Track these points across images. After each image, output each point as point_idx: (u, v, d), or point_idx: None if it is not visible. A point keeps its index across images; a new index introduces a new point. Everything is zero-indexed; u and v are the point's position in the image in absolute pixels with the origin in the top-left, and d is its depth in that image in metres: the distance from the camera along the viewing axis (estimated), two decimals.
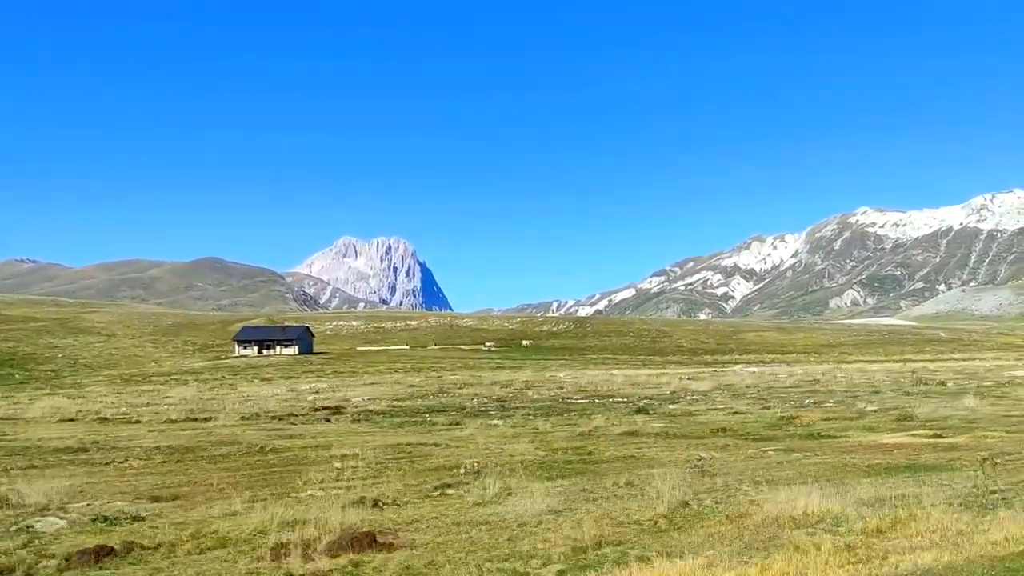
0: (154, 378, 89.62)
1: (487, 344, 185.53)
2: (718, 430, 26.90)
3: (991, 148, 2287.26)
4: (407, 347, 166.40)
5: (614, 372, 79.02)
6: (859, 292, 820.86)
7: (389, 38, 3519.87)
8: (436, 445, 25.41)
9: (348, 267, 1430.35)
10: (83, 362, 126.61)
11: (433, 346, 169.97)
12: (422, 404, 45.31)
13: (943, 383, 43.60)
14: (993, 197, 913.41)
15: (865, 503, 13.23)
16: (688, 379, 59.71)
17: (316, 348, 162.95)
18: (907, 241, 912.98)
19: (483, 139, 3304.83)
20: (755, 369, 75.58)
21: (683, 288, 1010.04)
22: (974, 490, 14.43)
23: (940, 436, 21.59)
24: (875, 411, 30.14)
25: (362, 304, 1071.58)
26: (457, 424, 32.58)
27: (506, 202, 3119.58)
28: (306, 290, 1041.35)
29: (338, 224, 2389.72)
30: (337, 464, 21.87)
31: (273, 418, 37.63)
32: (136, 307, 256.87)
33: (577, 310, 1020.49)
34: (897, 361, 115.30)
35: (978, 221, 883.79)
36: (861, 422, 27.10)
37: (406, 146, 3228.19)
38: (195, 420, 38.25)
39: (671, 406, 38.58)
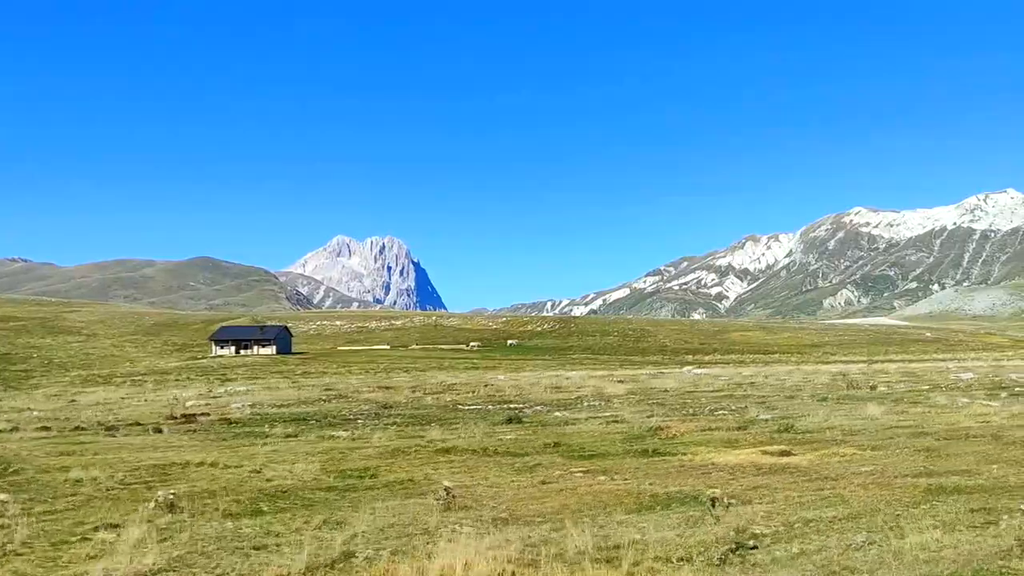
0: (116, 379, 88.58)
1: (471, 344, 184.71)
2: (550, 444, 25.45)
3: (985, 148, 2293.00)
4: (388, 347, 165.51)
5: (565, 374, 77.83)
6: (853, 292, 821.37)
7: (384, 36, 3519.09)
8: (212, 465, 23.27)
9: (342, 266, 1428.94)
10: (57, 362, 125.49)
11: (414, 346, 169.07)
12: (300, 411, 43.44)
13: (873, 387, 42.56)
14: (987, 197, 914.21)
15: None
16: (619, 381, 58.44)
17: (297, 348, 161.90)
18: (901, 241, 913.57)
19: (478, 138, 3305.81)
20: (701, 371, 74.58)
21: (677, 288, 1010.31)
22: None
23: (789, 454, 20.57)
24: (764, 420, 29.02)
25: (356, 304, 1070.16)
26: (293, 436, 30.44)
27: (500, 202, 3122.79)
28: (299, 290, 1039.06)
29: (332, 223, 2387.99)
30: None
31: (110, 428, 34.87)
32: (120, 307, 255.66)
33: (571, 309, 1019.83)
34: (878, 361, 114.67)
35: (972, 221, 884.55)
36: (730, 434, 26.02)
37: (400, 145, 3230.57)
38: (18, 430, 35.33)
39: (557, 414, 36.83)
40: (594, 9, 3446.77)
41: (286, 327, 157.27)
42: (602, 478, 19.48)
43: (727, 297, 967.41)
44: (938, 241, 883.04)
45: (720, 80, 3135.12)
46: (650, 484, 18.39)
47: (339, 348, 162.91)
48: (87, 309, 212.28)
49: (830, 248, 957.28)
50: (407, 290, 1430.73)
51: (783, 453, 20.48)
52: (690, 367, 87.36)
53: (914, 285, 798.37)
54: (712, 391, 48.36)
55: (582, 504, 16.64)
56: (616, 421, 32.22)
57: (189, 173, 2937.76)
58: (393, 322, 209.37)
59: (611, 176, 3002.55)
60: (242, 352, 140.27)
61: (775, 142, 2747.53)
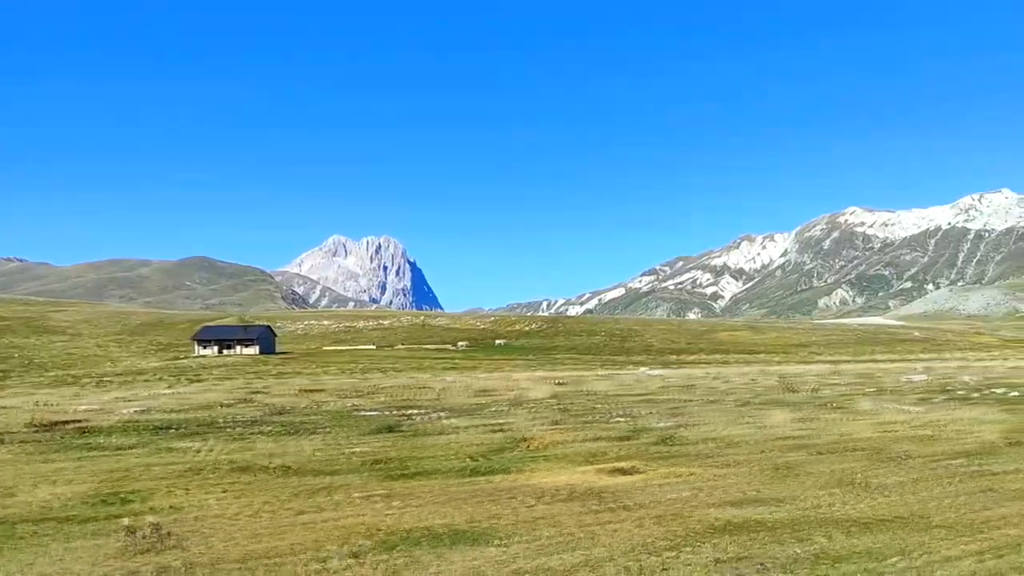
0: (85, 380, 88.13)
1: (460, 344, 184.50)
2: (379, 460, 23.86)
3: (980, 148, 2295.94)
4: (373, 347, 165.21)
5: (514, 375, 77.47)
6: (848, 291, 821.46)
7: (380, 36, 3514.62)
8: None
9: (338, 266, 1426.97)
10: (38, 362, 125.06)
11: (400, 346, 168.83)
12: (180, 418, 42.00)
13: (815, 390, 42.00)
14: (981, 197, 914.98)
15: None
16: (558, 383, 57.68)
17: (283, 348, 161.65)
18: (896, 241, 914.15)
19: (474, 139, 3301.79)
20: (656, 372, 74.15)
21: (673, 287, 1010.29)
22: None
23: (631, 472, 19.59)
24: (655, 429, 28.39)
25: (352, 303, 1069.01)
26: (130, 448, 29.43)
27: (497, 202, 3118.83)
28: (295, 289, 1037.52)
29: (328, 223, 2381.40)
30: None
31: None
32: (108, 306, 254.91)
33: (566, 309, 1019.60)
34: (853, 362, 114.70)
35: (966, 221, 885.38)
36: (601, 445, 25.26)
37: (397, 145, 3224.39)
38: None
39: (445, 421, 35.32)
40: (591, 9, 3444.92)
41: (270, 327, 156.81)
42: (380, 506, 18.46)
43: (722, 297, 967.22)
44: (933, 241, 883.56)
45: (717, 80, 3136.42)
46: (427, 514, 17.33)
47: (324, 348, 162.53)
48: (73, 309, 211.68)
49: (825, 248, 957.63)
50: (403, 290, 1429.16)
51: (623, 471, 19.79)
52: (647, 368, 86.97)
53: (909, 285, 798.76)
54: (640, 395, 47.38)
55: (299, 545, 15.67)
56: (500, 430, 31.38)
57: (186, 173, 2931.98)
58: (381, 322, 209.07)
59: (607, 176, 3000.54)
60: (225, 352, 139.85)
61: (771, 142, 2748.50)
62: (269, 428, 35.63)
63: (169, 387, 71.40)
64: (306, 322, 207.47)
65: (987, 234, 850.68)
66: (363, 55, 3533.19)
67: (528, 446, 25.07)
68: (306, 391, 61.05)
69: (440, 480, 21.51)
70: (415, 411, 40.82)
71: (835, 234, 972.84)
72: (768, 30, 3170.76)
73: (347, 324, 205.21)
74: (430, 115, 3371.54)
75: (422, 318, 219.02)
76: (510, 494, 19.17)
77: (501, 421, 33.86)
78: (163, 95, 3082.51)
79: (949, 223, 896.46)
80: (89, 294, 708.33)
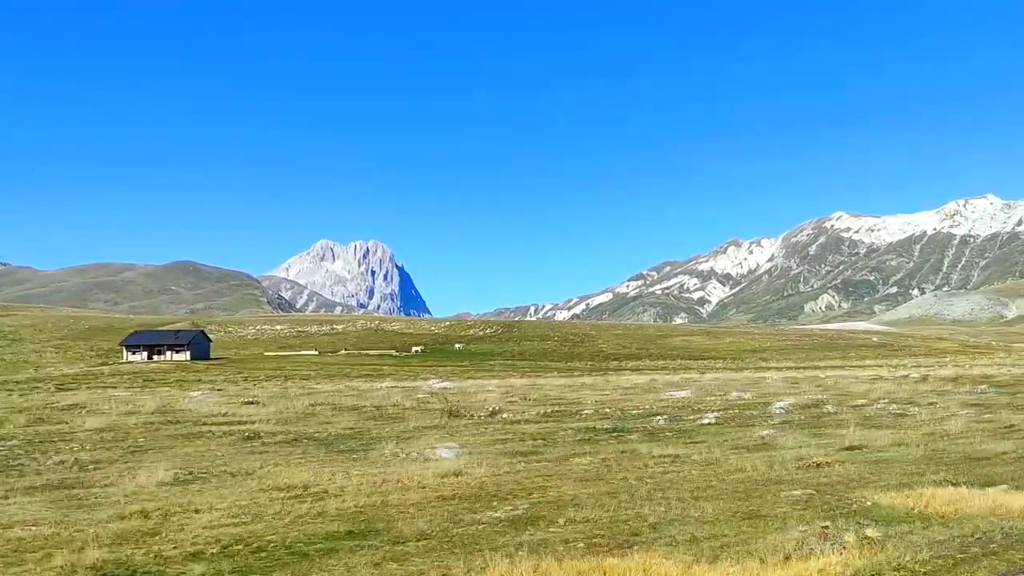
0: None
1: (414, 348, 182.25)
2: None
3: (965, 154, 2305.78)
4: (316, 352, 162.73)
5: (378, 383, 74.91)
6: (834, 296, 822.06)
7: (366, 39, 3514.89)
8: None
9: (326, 271, 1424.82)
10: None
11: (343, 351, 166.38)
12: None
13: (577, 413, 38.20)
14: (966, 203, 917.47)
15: None
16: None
17: (225, 353, 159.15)
18: (881, 246, 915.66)
19: (463, 142, 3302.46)
20: (499, 384, 71.33)
21: (660, 292, 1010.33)
22: None
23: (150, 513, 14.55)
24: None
25: (339, 308, 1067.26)
26: None
27: (486, 206, 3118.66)
28: (282, 294, 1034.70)
29: (316, 227, 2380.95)
30: None
31: None
32: (60, 310, 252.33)
33: (554, 314, 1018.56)
34: (790, 368, 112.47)
35: (951, 227, 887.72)
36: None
37: (385, 149, 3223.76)
38: None
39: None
40: (577, 14, 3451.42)
41: (203, 332, 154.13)
42: None
43: (709, 302, 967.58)
44: (918, 246, 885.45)
45: (703, 87, 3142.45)
46: None
47: (265, 354, 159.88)
48: (23, 313, 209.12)
49: (811, 253, 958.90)
50: (391, 294, 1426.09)
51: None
52: (431, 378, 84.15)
53: (894, 290, 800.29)
54: (369, 405, 42.95)
55: None
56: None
57: (173, 177, 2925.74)
58: (335, 326, 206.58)
59: (596, 181, 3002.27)
60: (155, 358, 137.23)
61: (758, 147, 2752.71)
62: None
63: (21, 396, 68.48)
64: (259, 327, 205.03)
65: (972, 239, 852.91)
66: (352, 59, 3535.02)
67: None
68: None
69: None
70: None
71: (821, 239, 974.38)
72: (755, 35, 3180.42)
73: (300, 329, 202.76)
74: (420, 119, 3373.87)
75: (377, 322, 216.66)
76: None
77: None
78: (150, 98, 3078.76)
79: (934, 228, 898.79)
80: (73, 298, 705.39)
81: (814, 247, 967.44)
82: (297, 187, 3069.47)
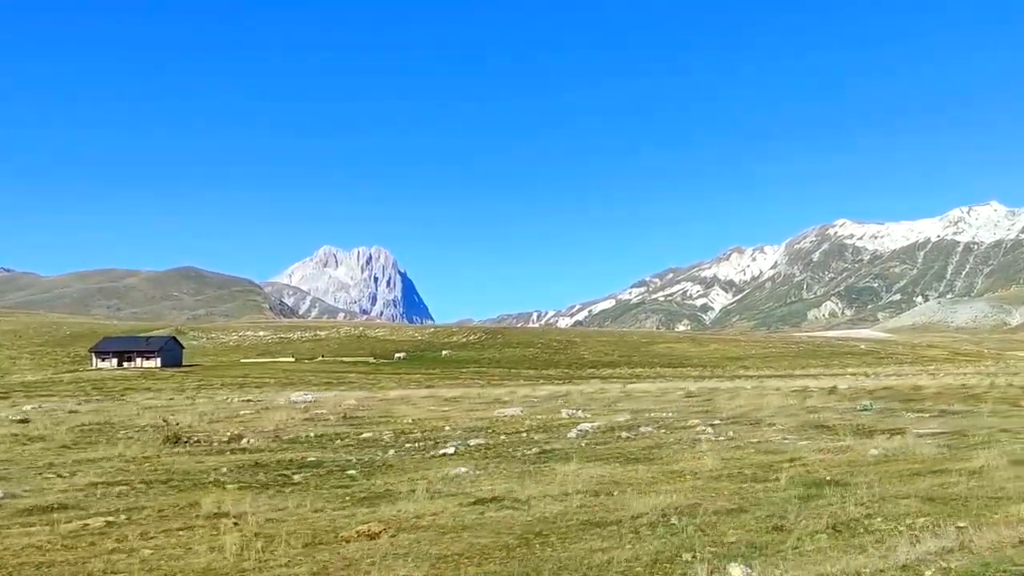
0: None
1: (397, 355, 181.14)
2: None
3: (969, 161, 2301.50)
4: (292, 359, 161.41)
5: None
6: (837, 304, 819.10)
7: (373, 45, 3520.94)
8: None
9: (329, 277, 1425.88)
10: None
11: (321, 358, 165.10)
12: None
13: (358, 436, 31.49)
14: (970, 210, 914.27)
15: None
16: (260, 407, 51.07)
17: (202, 360, 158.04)
18: (885, 253, 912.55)
19: (467, 148, 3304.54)
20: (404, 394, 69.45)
21: (662, 299, 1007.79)
22: None
23: None
24: None
25: (342, 314, 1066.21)
26: None
27: (489, 214, 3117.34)
28: (285, 300, 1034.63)
29: (319, 234, 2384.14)
30: None
31: None
32: (44, 317, 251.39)
33: (556, 321, 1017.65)
34: (760, 378, 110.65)
35: (955, 233, 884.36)
36: None
37: (389, 155, 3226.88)
38: None
39: None
40: (581, 17, 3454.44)
41: (175, 339, 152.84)
42: None
43: (712, 309, 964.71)
44: (922, 253, 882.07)
45: (708, 93, 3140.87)
46: None
47: (242, 361, 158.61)
48: (7, 318, 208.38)
49: (815, 260, 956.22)
50: (394, 300, 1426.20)
51: None
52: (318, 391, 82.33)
53: (898, 297, 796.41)
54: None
55: None
56: None
57: (177, 184, 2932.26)
58: (318, 332, 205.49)
59: (599, 187, 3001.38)
60: (124, 365, 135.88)
61: (761, 154, 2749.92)
62: None
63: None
64: (242, 333, 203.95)
65: (976, 247, 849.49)
66: (356, 64, 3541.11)
67: None
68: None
69: None
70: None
71: (825, 246, 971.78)
72: (758, 42, 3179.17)
73: (282, 335, 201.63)
74: (424, 125, 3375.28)
75: (361, 328, 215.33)
76: None
77: None
78: (154, 104, 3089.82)
79: (938, 235, 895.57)
80: (75, 304, 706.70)
81: (817, 254, 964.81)
82: (301, 193, 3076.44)
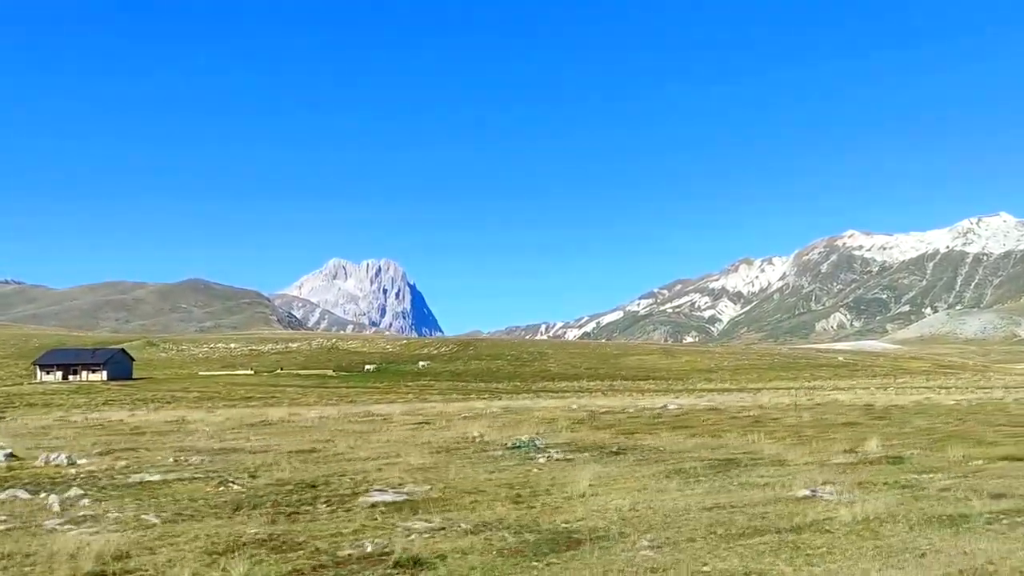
0: None
1: (367, 367, 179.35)
2: None
3: (978, 172, 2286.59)
4: (251, 372, 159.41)
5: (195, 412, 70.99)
6: (846, 315, 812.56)
7: (382, 57, 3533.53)
8: None
9: (338, 289, 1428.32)
10: None
11: (280, 371, 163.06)
12: None
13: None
14: (979, 221, 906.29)
15: None
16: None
17: (159, 372, 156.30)
18: (894, 264, 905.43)
19: (477, 161, 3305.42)
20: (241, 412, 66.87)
21: (671, 310, 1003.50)
22: None
23: None
24: None
25: (351, 326, 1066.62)
26: None
27: (498, 225, 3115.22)
28: (294, 312, 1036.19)
29: (328, 246, 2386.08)
30: None
31: None
32: (19, 329, 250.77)
33: (564, 332, 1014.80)
34: (723, 391, 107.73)
35: (964, 244, 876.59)
36: None
37: (398, 167, 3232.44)
38: None
39: None
40: (586, 27, 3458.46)
41: (124, 351, 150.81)
42: None
43: (720, 320, 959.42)
44: (931, 264, 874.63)
45: (716, 105, 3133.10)
46: None
47: (200, 373, 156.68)
48: None
49: (823, 271, 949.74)
50: (403, 312, 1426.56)
51: None
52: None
53: (907, 308, 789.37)
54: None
55: None
56: None
57: (187, 196, 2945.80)
58: (290, 344, 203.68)
59: (608, 199, 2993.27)
60: (70, 378, 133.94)
61: (769, 165, 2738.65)
62: None
63: None
64: (213, 344, 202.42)
65: (985, 258, 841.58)
66: (364, 76, 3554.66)
67: None
68: None
69: None
70: None
71: (833, 257, 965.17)
72: (765, 53, 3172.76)
73: (253, 347, 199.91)
74: (433, 136, 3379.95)
75: (334, 340, 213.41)
76: None
77: None
78: (164, 118, 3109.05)
79: (947, 246, 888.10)
80: (84, 316, 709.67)
81: (826, 265, 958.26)
82: (310, 205, 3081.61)
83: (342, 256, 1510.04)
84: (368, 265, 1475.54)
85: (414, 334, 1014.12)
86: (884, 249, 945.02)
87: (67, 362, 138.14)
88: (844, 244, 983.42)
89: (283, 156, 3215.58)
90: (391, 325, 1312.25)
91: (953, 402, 49.67)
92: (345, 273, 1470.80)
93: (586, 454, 22.43)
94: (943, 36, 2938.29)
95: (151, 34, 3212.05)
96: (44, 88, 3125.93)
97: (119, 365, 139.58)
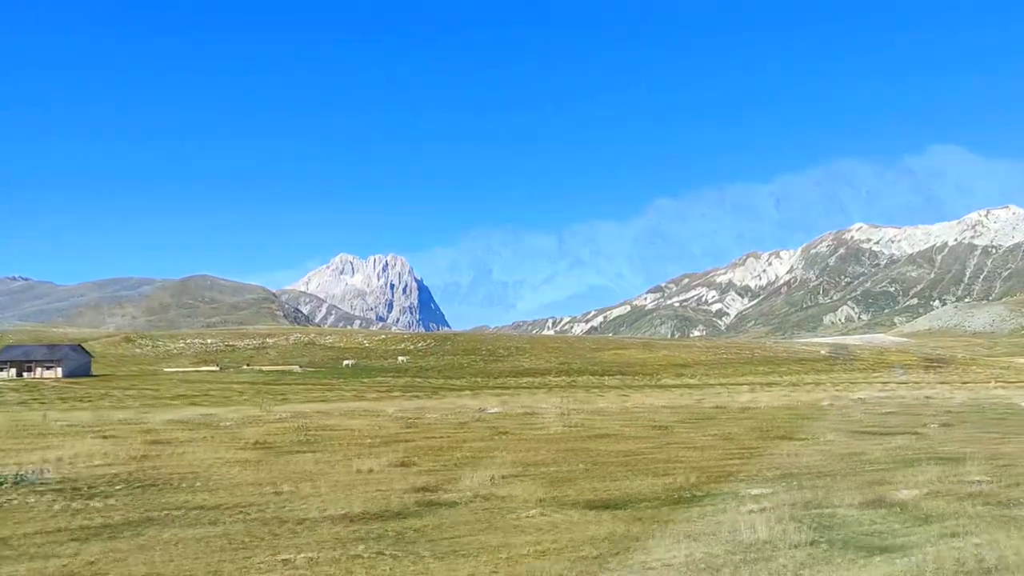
0: None
1: (345, 363, 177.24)
2: None
3: (985, 164, 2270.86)
4: (218, 369, 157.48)
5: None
6: (853, 308, 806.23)
7: (391, 55, 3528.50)
8: None
9: (345, 284, 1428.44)
10: None
11: (246, 367, 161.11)
12: None
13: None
14: (988, 213, 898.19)
15: None
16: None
17: (123, 369, 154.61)
18: (902, 257, 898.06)
19: (483, 155, 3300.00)
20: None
21: (677, 304, 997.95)
22: None
23: None
24: None
25: (358, 321, 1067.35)
26: None
27: (504, 219, 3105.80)
28: (300, 307, 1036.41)
29: (336, 241, 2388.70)
30: None
31: None
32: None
33: (572, 327, 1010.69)
34: (660, 388, 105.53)
35: (973, 237, 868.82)
36: None
37: (406, 164, 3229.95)
38: None
39: None
40: (587, 28, 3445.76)
41: (81, 347, 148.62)
42: None
43: (727, 314, 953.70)
44: (939, 257, 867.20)
45: (722, 99, 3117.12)
46: None
47: (165, 370, 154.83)
48: None
49: (831, 264, 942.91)
50: (410, 307, 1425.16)
51: None
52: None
53: (915, 301, 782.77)
54: None
55: None
56: None
57: (196, 193, 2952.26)
58: (267, 339, 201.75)
59: (615, 193, 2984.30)
60: (24, 375, 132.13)
61: (778, 159, 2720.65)
62: None
63: None
64: (189, 340, 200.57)
65: (994, 250, 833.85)
66: (373, 74, 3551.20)
67: None
68: None
69: None
70: None
71: (841, 250, 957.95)
72: (777, 50, 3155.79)
73: (229, 343, 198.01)
74: (442, 134, 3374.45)
75: (312, 335, 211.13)
76: None
77: None
78: (173, 114, 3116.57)
79: (955, 239, 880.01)
80: (91, 312, 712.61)
81: (833, 258, 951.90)
82: (317, 201, 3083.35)
83: (349, 251, 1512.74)
84: (375, 260, 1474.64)
85: (421, 328, 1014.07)
86: (892, 242, 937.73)
87: (21, 359, 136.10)
88: (852, 237, 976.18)
89: (290, 152, 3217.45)
90: (398, 320, 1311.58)
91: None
92: (352, 268, 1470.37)
93: None
94: (949, 36, 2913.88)
95: (161, 34, 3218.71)
96: (51, 88, 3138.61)
97: (75, 362, 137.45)
